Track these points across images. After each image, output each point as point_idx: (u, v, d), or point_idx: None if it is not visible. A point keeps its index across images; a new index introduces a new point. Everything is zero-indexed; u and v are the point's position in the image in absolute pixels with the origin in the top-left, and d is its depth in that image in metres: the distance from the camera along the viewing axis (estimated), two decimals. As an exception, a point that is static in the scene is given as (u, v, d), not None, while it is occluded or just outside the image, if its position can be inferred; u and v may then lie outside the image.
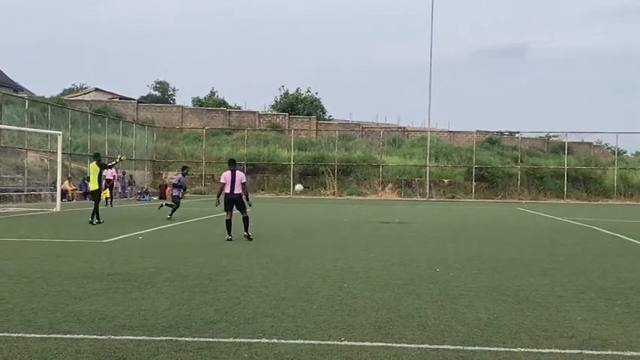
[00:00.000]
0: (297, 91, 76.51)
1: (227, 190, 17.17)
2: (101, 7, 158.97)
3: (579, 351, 6.81)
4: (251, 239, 16.94)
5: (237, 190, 17.15)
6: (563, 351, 6.80)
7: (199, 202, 39.43)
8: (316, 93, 77.84)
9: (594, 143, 66.39)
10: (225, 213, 17.40)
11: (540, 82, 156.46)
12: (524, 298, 9.60)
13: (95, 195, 22.77)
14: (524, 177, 54.36)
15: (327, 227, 22.29)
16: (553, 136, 66.17)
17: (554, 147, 63.88)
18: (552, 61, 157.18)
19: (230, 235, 16.99)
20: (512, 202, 49.93)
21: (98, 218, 21.95)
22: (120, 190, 43.06)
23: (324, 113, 76.81)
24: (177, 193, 25.10)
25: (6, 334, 7.06)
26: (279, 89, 79.47)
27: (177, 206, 24.78)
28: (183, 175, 25.72)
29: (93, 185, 22.93)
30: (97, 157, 23.72)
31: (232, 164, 17.62)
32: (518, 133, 62.38)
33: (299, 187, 25.51)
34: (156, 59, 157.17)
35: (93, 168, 23.13)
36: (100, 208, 22.46)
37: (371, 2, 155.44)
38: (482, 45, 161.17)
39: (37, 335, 7.02)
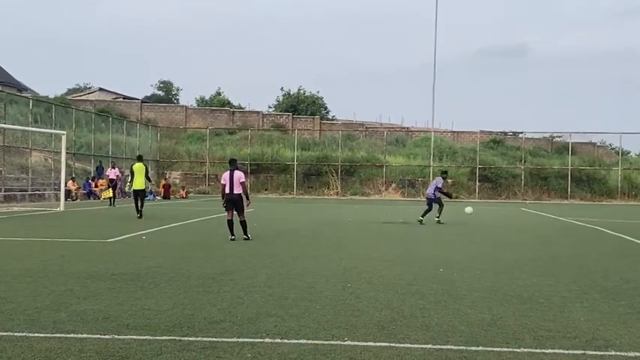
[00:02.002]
0: (298, 91, 76.51)
1: (227, 190, 17.18)
2: (105, 7, 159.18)
3: (583, 351, 6.80)
4: (250, 239, 16.92)
5: (237, 190, 17.14)
6: (567, 351, 6.79)
7: (203, 202, 39.46)
8: (317, 92, 77.87)
9: (598, 143, 66.28)
10: (226, 213, 17.42)
11: (544, 82, 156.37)
12: (528, 298, 9.58)
13: (141, 193, 25.15)
14: (527, 177, 54.31)
15: (331, 227, 22.29)
16: (557, 136, 66.07)
17: (558, 147, 63.80)
18: (555, 60, 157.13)
19: (233, 235, 17.00)
20: (516, 202, 49.90)
21: (140, 212, 24.60)
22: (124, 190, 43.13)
23: (327, 113, 76.80)
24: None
25: (9, 333, 7.07)
26: (281, 89, 79.48)
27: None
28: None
29: (139, 184, 24.95)
30: (140, 159, 26.12)
31: (232, 164, 17.61)
32: (522, 133, 62.36)
33: (469, 209, 25.76)
34: (160, 59, 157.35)
35: (139, 168, 25.14)
36: (103, 207, 22.74)
37: (374, 2, 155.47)
38: (485, 45, 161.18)
39: (41, 335, 7.03)
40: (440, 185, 25.36)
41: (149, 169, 26.38)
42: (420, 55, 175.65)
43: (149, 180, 26.32)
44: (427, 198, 25.38)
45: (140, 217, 24.48)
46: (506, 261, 13.83)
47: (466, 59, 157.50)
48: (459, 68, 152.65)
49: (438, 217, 24.47)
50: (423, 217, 24.34)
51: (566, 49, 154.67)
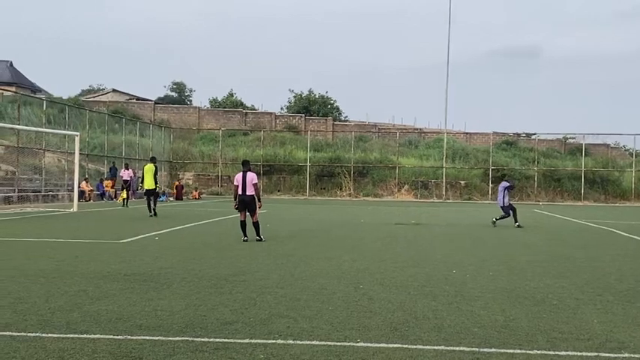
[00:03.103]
0: (309, 92, 76.56)
1: (239, 191, 17.20)
2: (119, 9, 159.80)
3: (596, 353, 6.77)
4: (263, 241, 16.95)
5: (249, 191, 17.14)
6: (580, 353, 6.76)
7: (216, 203, 39.53)
8: (326, 92, 77.88)
9: (612, 145, 65.92)
10: (239, 214, 17.45)
11: (557, 83, 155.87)
12: (541, 300, 9.55)
13: (152, 192, 26.51)
14: (541, 179, 54.11)
15: (343, 228, 22.28)
16: (570, 137, 65.82)
17: (571, 149, 63.55)
18: (569, 61, 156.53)
19: (245, 235, 17.02)
20: (529, 203, 49.70)
21: (154, 211, 26.03)
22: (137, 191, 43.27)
23: (339, 114, 76.80)
24: None
25: (23, 333, 7.10)
26: (290, 91, 79.51)
27: None
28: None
29: (149, 184, 26.45)
30: (153, 160, 27.83)
31: (245, 166, 17.63)
32: (535, 134, 62.18)
33: None
34: (173, 60, 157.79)
35: (149, 168, 26.68)
36: (117, 208, 23.03)
37: (385, 2, 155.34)
38: (498, 45, 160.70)
39: (54, 335, 7.05)
40: (508, 184, 25.64)
41: (158, 171, 27.76)
42: (431, 55, 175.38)
43: (156, 182, 26.99)
44: (501, 207, 25.28)
45: (154, 215, 25.82)
46: (519, 262, 13.78)
47: (478, 60, 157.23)
48: (471, 69, 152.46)
49: (517, 222, 24.43)
50: (516, 221, 24.47)
51: (579, 49, 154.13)
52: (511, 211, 24.84)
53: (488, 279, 11.37)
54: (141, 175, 28.74)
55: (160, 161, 52.09)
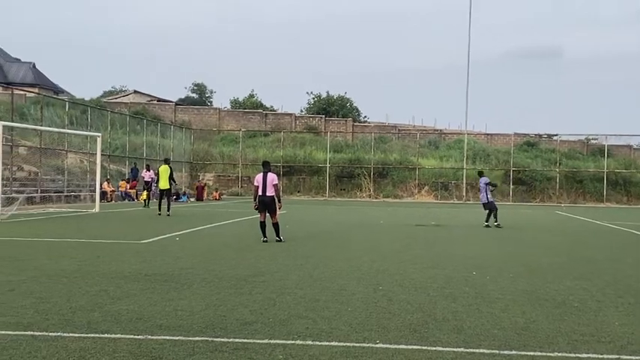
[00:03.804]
0: (328, 94, 76.60)
1: (259, 192, 17.23)
2: (141, 12, 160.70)
3: (617, 356, 6.73)
4: (283, 241, 16.97)
5: (269, 192, 17.16)
6: (601, 356, 6.72)
7: (236, 204, 39.62)
8: (345, 93, 77.81)
9: (635, 146, 65.39)
10: (259, 215, 17.49)
11: (579, 83, 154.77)
12: (562, 302, 9.49)
13: (168, 192, 27.61)
14: (562, 180, 53.75)
15: (363, 229, 22.27)
16: (592, 138, 65.35)
17: (593, 150, 63.08)
18: (591, 62, 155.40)
19: (265, 236, 17.05)
20: (550, 205, 49.43)
21: (168, 211, 27.10)
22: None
23: (358, 115, 76.73)
24: None
25: (45, 333, 7.16)
26: (308, 93, 79.54)
27: None
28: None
29: (164, 184, 27.33)
30: (167, 161, 28.78)
31: (265, 166, 17.65)
32: (556, 135, 61.70)
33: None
34: (193, 62, 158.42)
35: (164, 169, 27.57)
36: (138, 209, 23.36)
37: (405, 2, 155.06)
38: (519, 46, 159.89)
39: (75, 335, 7.10)
40: (486, 181, 25.43)
41: (178, 172, 28.41)
42: (451, 56, 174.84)
43: (174, 181, 28.12)
44: (483, 204, 25.16)
45: (167, 214, 26.86)
46: (540, 264, 13.71)
47: (499, 60, 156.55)
48: (492, 69, 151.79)
49: (497, 222, 24.34)
50: (487, 221, 24.31)
51: (601, 49, 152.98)
52: (494, 210, 24.77)
53: (509, 281, 11.32)
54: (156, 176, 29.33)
55: (181, 162, 52.49)
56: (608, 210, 43.62)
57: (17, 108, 40.72)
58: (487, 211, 24.69)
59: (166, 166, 27.90)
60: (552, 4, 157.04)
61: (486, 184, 25.25)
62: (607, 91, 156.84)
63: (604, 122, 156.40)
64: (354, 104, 77.55)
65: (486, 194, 24.94)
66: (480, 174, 26.58)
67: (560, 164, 54.85)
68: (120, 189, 41.54)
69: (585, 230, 24.46)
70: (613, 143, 59.74)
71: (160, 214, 27.02)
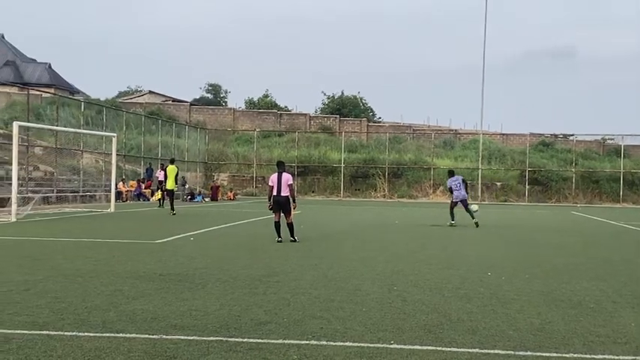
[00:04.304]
0: (342, 94, 76.58)
1: (274, 192, 17.22)
2: (155, 13, 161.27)
3: (634, 357, 6.68)
4: (297, 241, 16.97)
5: (284, 192, 17.15)
6: (617, 357, 6.68)
7: (250, 204, 39.68)
8: (358, 93, 77.87)
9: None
10: (274, 215, 17.49)
11: (595, 83, 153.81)
12: (578, 303, 9.44)
13: (171, 192, 28.49)
14: (578, 180, 53.46)
15: (378, 229, 22.24)
16: (609, 138, 65.00)
17: (609, 150, 62.75)
18: (606, 62, 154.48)
19: (279, 236, 17.06)
20: (566, 205, 49.20)
21: (173, 210, 27.74)
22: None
23: (372, 115, 76.68)
24: None
25: (60, 332, 7.19)
26: (323, 93, 79.61)
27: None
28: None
29: (171, 184, 28.27)
30: (173, 161, 29.66)
31: (280, 167, 17.65)
32: (572, 135, 61.38)
33: (474, 207, 25.40)
34: (208, 62, 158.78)
35: (172, 169, 28.40)
36: (153, 209, 23.73)
37: (419, 3, 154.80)
38: (534, 46, 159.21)
39: (91, 334, 7.13)
40: (463, 178, 25.93)
41: (179, 172, 30.39)
42: (468, 56, 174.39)
43: (176, 182, 29.13)
44: (461, 201, 25.16)
45: (172, 213, 27.44)
46: (555, 265, 13.64)
47: (514, 60, 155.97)
48: (507, 70, 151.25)
49: (453, 221, 24.46)
50: (474, 218, 24.26)
51: (616, 50, 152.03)
52: (453, 208, 24.97)
53: (524, 281, 11.27)
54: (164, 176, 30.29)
55: (196, 162, 52.66)
56: (625, 210, 43.36)
57: (33, 108, 40.95)
58: (463, 208, 24.95)
59: (173, 166, 28.78)
60: (567, 5, 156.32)
61: (463, 180, 25.67)
62: (623, 91, 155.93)
63: (620, 122, 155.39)
64: (368, 104, 77.62)
65: (464, 190, 25.27)
66: (452, 173, 26.61)
67: (576, 164, 54.57)
68: (130, 188, 41.65)
69: (601, 231, 24.33)
70: (629, 143, 59.42)
71: (174, 214, 27.33)
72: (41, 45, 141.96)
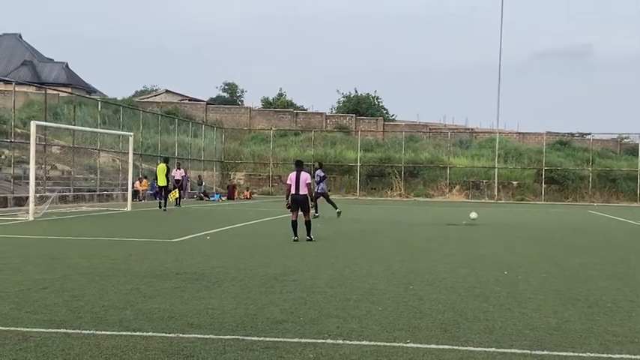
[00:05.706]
0: (357, 93, 76.56)
1: (292, 190, 17.24)
2: (172, 12, 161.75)
3: (651, 357, 6.64)
4: (313, 240, 16.96)
5: (302, 190, 17.16)
6: (635, 356, 6.64)
7: (266, 203, 39.72)
8: (374, 92, 77.74)
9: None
10: (291, 214, 17.51)
11: (611, 82, 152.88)
12: (595, 302, 9.40)
13: (166, 190, 30.77)
14: (595, 179, 53.16)
15: (394, 228, 22.22)
16: (625, 137, 64.57)
17: (626, 149, 62.35)
18: (623, 61, 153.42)
19: (296, 235, 17.07)
20: (583, 204, 48.93)
21: (165, 207, 29.65)
22: (189, 191, 43.72)
23: (387, 114, 76.57)
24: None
25: (77, 330, 7.23)
26: (338, 92, 79.61)
27: None
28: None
29: (162, 181, 30.43)
30: (166, 160, 32.12)
31: (298, 165, 17.66)
32: (589, 134, 61.07)
33: (474, 214, 25.31)
34: (224, 61, 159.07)
35: (162, 168, 30.49)
36: (169, 208, 28.56)
37: (436, 3, 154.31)
38: (550, 46, 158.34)
39: (108, 332, 7.16)
40: (324, 173, 27.34)
41: (170, 169, 32.03)
42: (483, 55, 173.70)
43: (168, 180, 31.01)
44: (322, 193, 26.47)
45: (163, 209, 29.28)
46: (572, 264, 13.58)
47: (531, 60, 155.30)
48: (523, 69, 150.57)
49: (317, 215, 25.26)
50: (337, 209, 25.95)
51: (632, 49, 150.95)
52: (317, 200, 26.06)
53: (540, 280, 11.23)
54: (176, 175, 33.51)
55: (212, 161, 52.76)
56: (643, 209, 43.06)
57: (50, 108, 41.22)
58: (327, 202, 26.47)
59: (163, 164, 31.22)
60: (583, 5, 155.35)
61: (324, 174, 27.29)
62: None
63: (637, 121, 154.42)
64: (382, 103, 77.53)
65: (319, 184, 26.56)
66: (320, 165, 28.50)
67: (592, 163, 54.24)
68: (142, 188, 41.77)
69: (618, 230, 24.19)
70: (646, 142, 58.92)
71: (165, 210, 29.19)
72: (58, 45, 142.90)
